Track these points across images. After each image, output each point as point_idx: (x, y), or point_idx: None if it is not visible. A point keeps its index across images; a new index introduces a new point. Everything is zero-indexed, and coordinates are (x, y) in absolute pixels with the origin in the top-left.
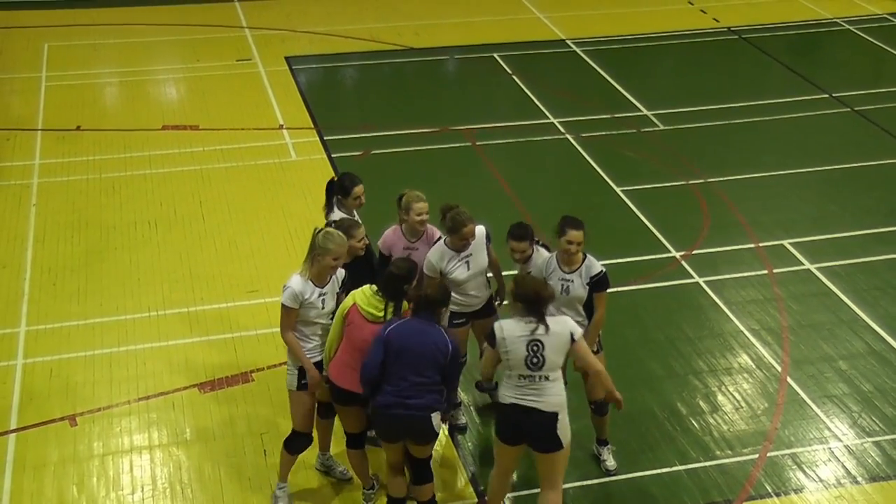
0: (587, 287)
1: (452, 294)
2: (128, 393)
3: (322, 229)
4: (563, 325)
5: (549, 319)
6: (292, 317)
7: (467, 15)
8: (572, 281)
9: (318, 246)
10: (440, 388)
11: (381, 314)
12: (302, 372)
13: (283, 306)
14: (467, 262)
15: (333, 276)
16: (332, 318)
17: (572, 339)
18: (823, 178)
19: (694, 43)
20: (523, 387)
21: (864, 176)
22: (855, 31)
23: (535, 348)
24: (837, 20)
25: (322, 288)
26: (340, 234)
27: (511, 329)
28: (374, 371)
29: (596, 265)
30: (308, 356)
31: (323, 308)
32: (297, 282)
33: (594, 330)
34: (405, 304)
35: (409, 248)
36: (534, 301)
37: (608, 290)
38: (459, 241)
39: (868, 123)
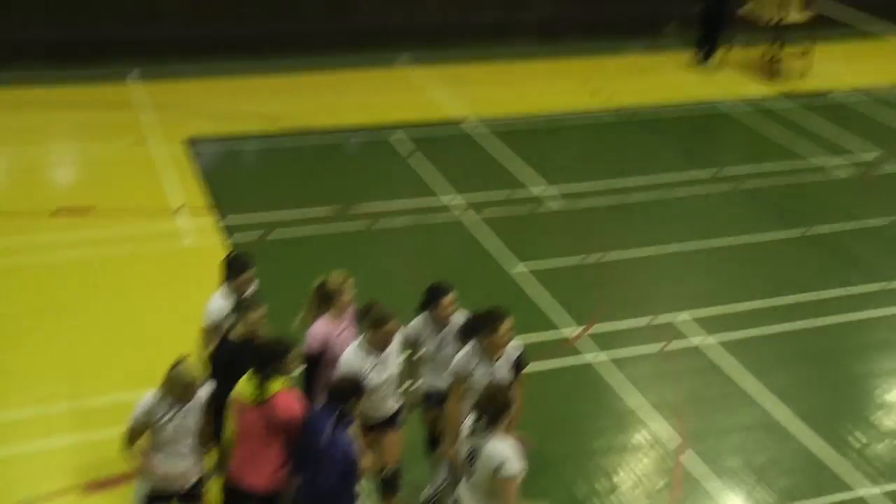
0: (512, 370)
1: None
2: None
3: (181, 361)
4: (496, 455)
5: (492, 440)
6: (136, 435)
7: (367, 95)
8: (500, 369)
9: (169, 378)
10: (331, 492)
11: (256, 394)
12: (149, 501)
13: (130, 423)
14: (383, 365)
15: (195, 397)
16: (193, 438)
17: (498, 473)
18: (715, 253)
19: (590, 123)
20: (463, 479)
21: (754, 250)
22: (739, 111)
23: (471, 454)
24: (723, 101)
25: (181, 407)
26: (192, 378)
27: (469, 423)
28: (293, 462)
29: (516, 345)
30: (182, 479)
31: (175, 431)
32: (146, 402)
33: (519, 413)
34: (278, 381)
35: (341, 332)
36: (485, 407)
37: None
38: (381, 339)
39: (755, 200)
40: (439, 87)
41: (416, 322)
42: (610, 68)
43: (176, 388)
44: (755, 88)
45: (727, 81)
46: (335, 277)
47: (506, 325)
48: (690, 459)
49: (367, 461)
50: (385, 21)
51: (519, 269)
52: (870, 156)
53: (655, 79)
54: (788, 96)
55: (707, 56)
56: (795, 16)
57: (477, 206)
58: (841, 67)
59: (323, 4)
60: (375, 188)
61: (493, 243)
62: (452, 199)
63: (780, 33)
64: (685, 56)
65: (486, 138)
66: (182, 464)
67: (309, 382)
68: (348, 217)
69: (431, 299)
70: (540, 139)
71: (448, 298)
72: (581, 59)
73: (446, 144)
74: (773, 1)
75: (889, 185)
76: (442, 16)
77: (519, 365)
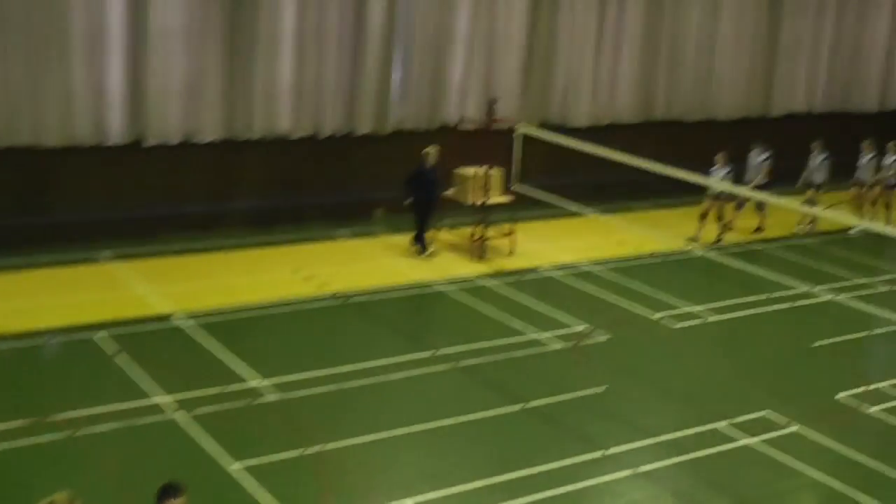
0: None
1: None
2: None
3: None
4: None
5: None
6: None
7: (66, 295)
8: None
9: None
10: None
11: None
12: None
13: None
14: None
15: None
16: None
17: None
18: (438, 434)
19: (305, 310)
20: None
21: (476, 428)
22: (452, 291)
23: None
24: (436, 282)
25: None
26: None
27: None
28: None
29: None
30: None
31: None
32: None
33: None
34: None
35: None
36: None
37: None
38: None
39: (473, 377)
40: (145, 282)
41: None
42: (322, 255)
43: None
44: (466, 268)
45: (439, 263)
46: (60, 498)
47: None
48: None
49: None
50: (84, 215)
51: (235, 468)
52: (579, 327)
53: (368, 263)
54: (498, 274)
55: (420, 241)
56: (497, 198)
57: (189, 405)
58: (544, 245)
59: (13, 198)
60: (78, 394)
61: (207, 442)
62: (162, 399)
63: (486, 215)
64: (395, 240)
65: (196, 333)
66: None
67: None
68: (47, 428)
69: (160, 502)
70: (253, 330)
71: (178, 501)
72: (292, 247)
73: (154, 342)
74: (475, 185)
75: (600, 354)
76: (146, 208)
77: None
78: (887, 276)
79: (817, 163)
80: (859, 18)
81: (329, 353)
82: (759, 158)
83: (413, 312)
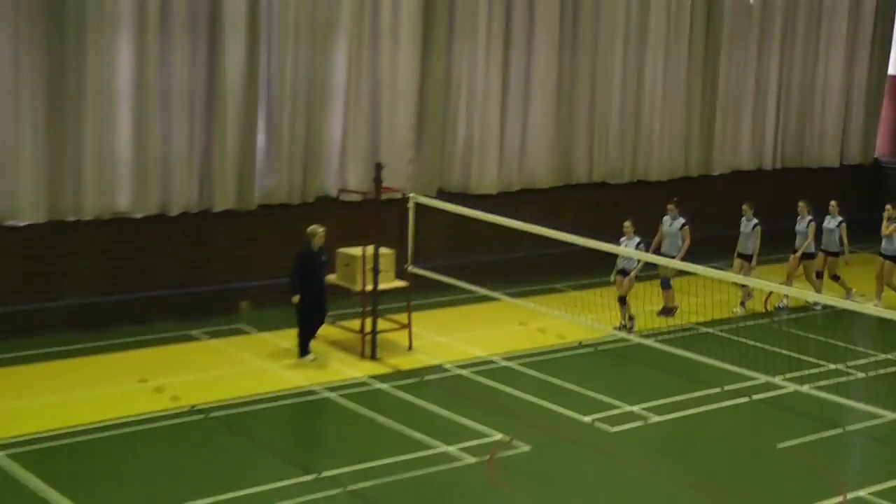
0: None
1: None
2: None
3: None
4: None
5: None
6: None
7: None
8: None
9: None
10: None
11: None
12: None
13: None
14: None
15: None
16: None
17: None
18: None
19: (156, 429)
20: None
21: None
22: (340, 397)
23: None
24: (320, 387)
25: None
26: None
27: None
28: None
29: None
30: None
31: None
32: None
33: None
34: None
35: None
36: None
37: None
38: None
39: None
40: None
41: None
42: (175, 360)
43: None
44: (354, 369)
45: (324, 364)
46: None
47: None
48: None
49: None
50: None
51: None
52: (496, 436)
53: (233, 368)
54: (394, 374)
55: (304, 340)
56: (390, 283)
57: None
58: (448, 338)
59: None
60: None
61: None
62: None
63: (377, 303)
64: (266, 338)
65: (10, 466)
66: None
67: None
68: None
69: None
70: (87, 459)
71: None
72: (136, 352)
73: None
74: (362, 268)
75: (522, 468)
76: None
77: None
78: (861, 360)
79: (749, 229)
80: (810, 59)
81: (187, 481)
82: (676, 224)
83: (291, 426)
